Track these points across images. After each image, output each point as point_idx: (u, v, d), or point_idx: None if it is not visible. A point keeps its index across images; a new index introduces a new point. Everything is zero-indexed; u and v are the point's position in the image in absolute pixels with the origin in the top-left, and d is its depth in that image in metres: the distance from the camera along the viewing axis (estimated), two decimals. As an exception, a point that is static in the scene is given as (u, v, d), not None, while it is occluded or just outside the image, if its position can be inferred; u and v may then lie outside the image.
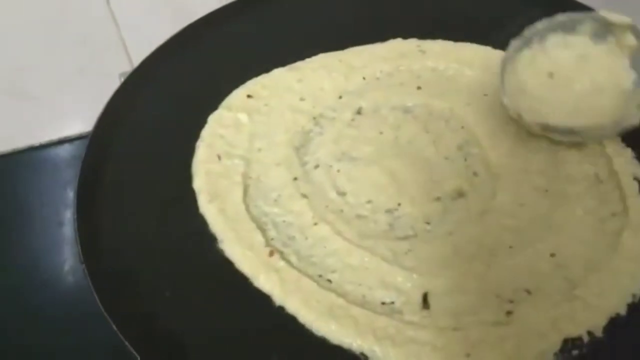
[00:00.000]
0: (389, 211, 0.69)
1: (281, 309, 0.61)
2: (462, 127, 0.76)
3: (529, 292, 0.60)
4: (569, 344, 0.56)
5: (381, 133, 0.77)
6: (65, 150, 1.13)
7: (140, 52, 1.04)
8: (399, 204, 0.70)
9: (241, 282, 0.63)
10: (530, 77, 0.72)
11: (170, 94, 0.80)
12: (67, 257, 0.95)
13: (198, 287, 0.63)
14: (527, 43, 0.73)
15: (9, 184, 1.07)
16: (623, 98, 0.68)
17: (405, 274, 0.62)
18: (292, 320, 0.60)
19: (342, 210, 0.70)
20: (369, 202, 0.70)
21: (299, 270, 0.64)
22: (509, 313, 0.59)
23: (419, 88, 0.81)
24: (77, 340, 0.84)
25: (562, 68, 0.72)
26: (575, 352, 0.56)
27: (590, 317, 0.57)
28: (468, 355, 0.56)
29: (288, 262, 0.65)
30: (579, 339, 0.57)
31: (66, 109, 1.15)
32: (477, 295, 0.60)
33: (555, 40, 0.73)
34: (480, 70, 0.81)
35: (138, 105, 0.79)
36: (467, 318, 0.58)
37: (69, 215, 1.00)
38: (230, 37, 0.87)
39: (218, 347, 0.58)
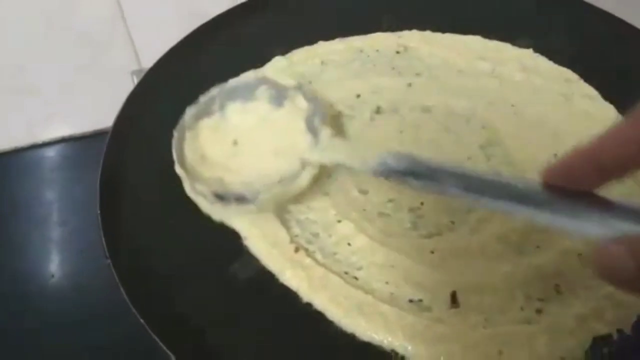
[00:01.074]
0: (411, 210, 0.69)
1: (309, 305, 0.61)
2: (484, 127, 0.76)
3: (558, 291, 0.60)
4: (599, 341, 0.56)
5: (401, 132, 0.77)
6: (63, 149, 1.11)
7: (147, 50, 1.04)
8: (422, 203, 0.69)
9: (267, 279, 0.63)
10: (213, 146, 0.72)
11: (188, 93, 0.79)
12: (54, 257, 0.94)
13: (223, 284, 0.62)
14: (206, 111, 0.73)
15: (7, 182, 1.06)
16: (300, 161, 0.69)
17: (431, 272, 0.62)
18: (320, 316, 0.60)
19: (364, 209, 0.69)
20: (390, 200, 0.70)
21: (325, 267, 0.63)
22: (538, 311, 0.59)
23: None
24: (64, 340, 0.83)
25: (244, 134, 0.73)
26: (605, 350, 0.56)
27: (619, 314, 0.57)
28: (500, 352, 0.56)
29: (313, 259, 0.64)
30: (609, 336, 0.57)
31: (66, 108, 1.14)
32: (506, 293, 0.60)
33: (235, 107, 0.74)
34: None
35: (156, 104, 0.78)
36: (496, 317, 0.58)
37: (55, 216, 0.99)
38: (244, 37, 0.87)
39: (246, 344, 0.58)
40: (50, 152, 1.10)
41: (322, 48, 0.86)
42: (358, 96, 0.81)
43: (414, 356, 0.56)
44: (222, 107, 0.74)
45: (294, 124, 0.73)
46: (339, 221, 0.68)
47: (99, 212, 0.65)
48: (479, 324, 0.58)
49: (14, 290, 0.90)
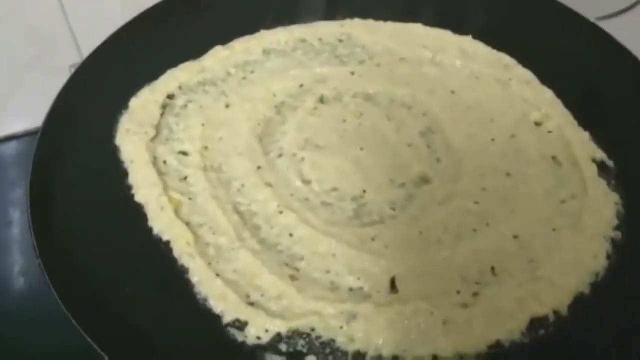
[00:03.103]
0: (354, 198, 0.69)
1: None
2: (425, 114, 0.77)
3: (494, 273, 0.61)
4: (536, 323, 0.57)
5: (344, 121, 0.77)
6: (11, 148, 1.08)
7: (90, 44, 1.01)
8: (365, 191, 0.70)
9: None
10: None
11: (120, 86, 0.78)
12: (17, 258, 0.91)
13: (154, 280, 0.62)
14: None
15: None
16: None
17: (372, 259, 0.63)
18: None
19: (307, 199, 0.69)
20: (334, 189, 0.70)
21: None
22: (475, 295, 0.59)
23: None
24: (31, 341, 0.81)
25: None
26: (542, 332, 0.57)
27: (555, 296, 0.58)
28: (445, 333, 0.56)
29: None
30: (545, 318, 0.58)
31: (16, 104, 1.11)
32: (444, 278, 0.61)
33: None
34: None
35: (88, 98, 0.76)
36: (435, 300, 0.59)
37: (18, 214, 0.96)
38: (184, 28, 0.85)
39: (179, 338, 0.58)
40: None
41: (265, 37, 0.85)
42: (301, 86, 0.81)
43: (354, 341, 0.57)
44: None
45: None
46: (281, 212, 0.67)
47: (29, 211, 0.63)
48: (417, 309, 0.58)
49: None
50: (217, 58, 0.82)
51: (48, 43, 1.07)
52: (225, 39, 0.84)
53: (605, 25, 1.07)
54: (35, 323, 0.82)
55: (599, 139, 0.71)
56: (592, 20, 1.06)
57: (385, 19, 0.87)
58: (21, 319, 0.84)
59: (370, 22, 0.87)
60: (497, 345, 0.56)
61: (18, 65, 1.07)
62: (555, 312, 0.58)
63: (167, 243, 0.64)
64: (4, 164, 1.07)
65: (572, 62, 0.79)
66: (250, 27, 0.86)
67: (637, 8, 1.09)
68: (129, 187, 0.69)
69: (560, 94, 0.76)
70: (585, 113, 0.74)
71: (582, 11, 1.05)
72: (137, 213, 0.67)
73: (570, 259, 0.61)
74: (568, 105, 0.75)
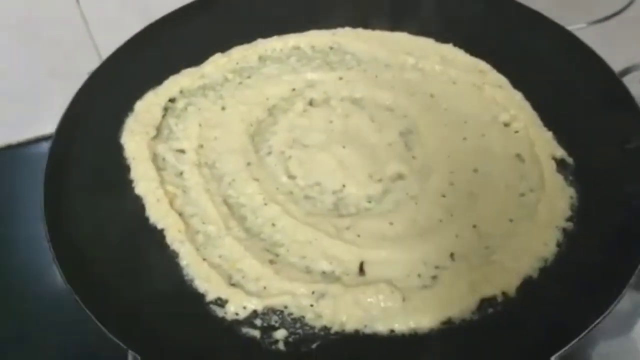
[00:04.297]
0: (334, 192, 0.76)
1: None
2: (405, 116, 0.83)
3: (453, 259, 0.67)
4: (485, 302, 0.63)
5: (331, 122, 0.84)
6: (42, 148, 1.17)
7: (110, 51, 1.09)
8: (344, 186, 0.76)
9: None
10: None
11: (127, 91, 0.85)
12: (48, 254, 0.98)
13: (148, 262, 0.70)
14: None
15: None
16: None
17: (345, 246, 0.69)
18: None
19: (291, 192, 0.76)
20: (317, 184, 0.77)
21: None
22: (434, 277, 0.65)
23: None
24: (62, 335, 0.86)
25: None
26: (490, 310, 0.63)
27: (504, 279, 0.64)
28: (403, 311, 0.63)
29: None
30: (494, 298, 0.63)
31: (40, 109, 1.19)
32: (408, 263, 0.67)
33: None
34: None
35: (98, 103, 0.84)
36: (398, 282, 0.65)
37: None
38: (186, 36, 0.92)
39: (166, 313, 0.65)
40: (27, 151, 1.16)
41: (261, 45, 0.93)
42: (293, 90, 0.88)
43: (321, 317, 0.64)
44: None
45: None
46: (266, 204, 0.74)
47: (42, 201, 0.71)
48: (379, 288, 0.64)
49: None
50: (216, 64, 0.90)
51: (69, 51, 1.15)
52: (224, 47, 0.92)
53: (596, 29, 1.13)
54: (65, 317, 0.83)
55: (562, 137, 0.77)
56: (584, 24, 1.12)
57: (374, 28, 0.94)
58: (52, 314, 0.88)
59: (360, 31, 0.94)
60: (449, 321, 0.62)
61: (42, 72, 1.16)
62: (504, 293, 0.63)
63: (162, 231, 0.72)
64: (35, 163, 1.15)
65: (543, 66, 0.84)
66: (248, 36, 0.93)
67: (626, 12, 1.13)
68: (131, 181, 0.77)
69: (530, 96, 0.81)
70: (552, 114, 0.79)
71: (574, 16, 1.11)
72: (137, 204, 0.74)
73: (522, 246, 0.66)
74: (536, 106, 0.80)
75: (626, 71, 0.98)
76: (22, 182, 1.10)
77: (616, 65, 0.98)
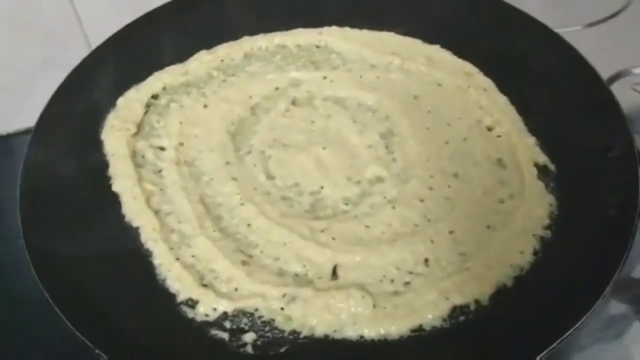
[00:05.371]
0: (312, 193, 0.75)
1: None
2: (387, 118, 0.82)
3: (427, 265, 0.66)
4: (457, 310, 0.62)
5: (313, 122, 0.83)
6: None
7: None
8: (322, 187, 0.75)
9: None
10: None
11: (110, 86, 0.85)
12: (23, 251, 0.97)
13: (122, 260, 0.69)
14: None
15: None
16: None
17: (319, 249, 0.68)
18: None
19: (269, 193, 0.75)
20: (295, 185, 0.76)
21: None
22: (406, 284, 0.65)
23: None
24: (32, 333, 0.82)
25: None
26: (462, 318, 0.62)
27: (477, 287, 0.63)
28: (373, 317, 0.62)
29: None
30: (467, 305, 0.62)
31: (31, 101, 1.19)
32: (381, 268, 0.66)
33: None
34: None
35: (80, 98, 0.83)
36: (370, 287, 0.64)
37: None
38: (171, 33, 0.92)
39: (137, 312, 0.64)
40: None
41: (247, 43, 0.92)
42: (277, 88, 0.87)
43: (291, 321, 0.63)
44: None
45: None
46: (242, 204, 0.73)
47: (19, 192, 0.70)
48: (350, 294, 0.63)
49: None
50: (201, 62, 0.89)
51: (61, 44, 1.15)
52: (209, 44, 0.91)
53: (592, 32, 1.12)
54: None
55: (546, 143, 0.75)
56: (579, 27, 1.10)
57: (361, 27, 0.93)
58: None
59: (347, 30, 0.93)
60: (420, 329, 0.61)
61: (34, 64, 1.16)
62: (477, 301, 0.62)
63: (137, 229, 0.71)
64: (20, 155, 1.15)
65: (530, 70, 0.83)
66: (233, 33, 0.92)
67: (622, 15, 1.12)
68: (109, 178, 0.76)
69: (515, 100, 0.80)
70: (536, 119, 0.78)
71: (569, 18, 1.10)
72: (113, 201, 0.74)
73: (497, 254, 0.65)
74: (521, 111, 0.79)
75: (617, 76, 0.97)
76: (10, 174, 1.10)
77: (610, 68, 0.98)
